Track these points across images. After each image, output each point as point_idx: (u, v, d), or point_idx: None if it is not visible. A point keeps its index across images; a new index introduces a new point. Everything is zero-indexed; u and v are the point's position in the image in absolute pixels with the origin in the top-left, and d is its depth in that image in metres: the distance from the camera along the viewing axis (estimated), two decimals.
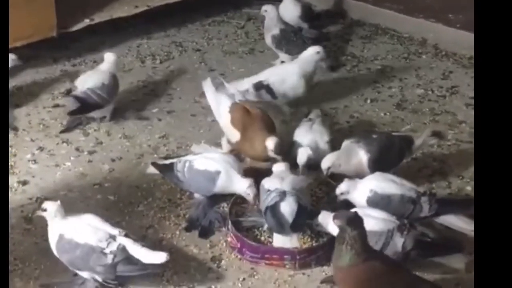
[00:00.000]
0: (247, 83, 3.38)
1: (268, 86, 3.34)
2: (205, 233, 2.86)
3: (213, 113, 3.35)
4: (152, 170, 3.04)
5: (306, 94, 3.41)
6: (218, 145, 3.30)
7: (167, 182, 3.06)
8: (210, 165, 2.87)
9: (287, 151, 3.04)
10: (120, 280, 2.61)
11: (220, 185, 2.86)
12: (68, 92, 3.45)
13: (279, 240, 2.71)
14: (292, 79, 3.34)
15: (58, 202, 2.61)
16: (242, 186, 2.82)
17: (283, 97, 3.37)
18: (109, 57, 3.51)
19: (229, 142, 3.14)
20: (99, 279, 2.58)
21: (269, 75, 3.38)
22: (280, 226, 2.68)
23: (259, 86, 3.35)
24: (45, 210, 2.60)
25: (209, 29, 4.25)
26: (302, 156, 2.98)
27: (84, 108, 3.39)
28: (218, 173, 2.84)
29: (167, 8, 4.13)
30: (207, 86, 3.24)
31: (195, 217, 2.91)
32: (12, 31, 3.60)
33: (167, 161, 3.01)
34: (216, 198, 2.94)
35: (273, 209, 2.70)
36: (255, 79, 3.38)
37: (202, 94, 3.35)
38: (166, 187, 3.07)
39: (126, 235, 2.59)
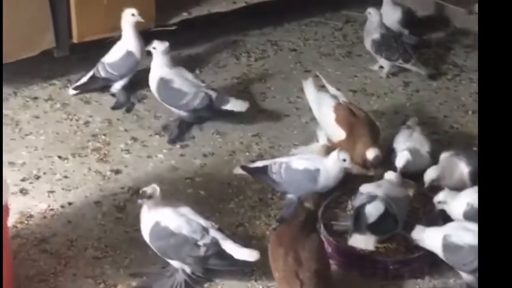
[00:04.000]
0: None
1: None
2: None
3: (308, 114, 3.32)
4: (239, 171, 3.00)
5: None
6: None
7: (259, 180, 3.01)
8: (309, 164, 2.84)
9: (385, 157, 2.99)
10: (209, 274, 2.59)
11: (322, 183, 2.82)
12: None
13: (355, 239, 2.66)
14: None
15: (158, 188, 2.58)
16: (333, 158, 2.79)
17: None
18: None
19: (329, 140, 3.10)
20: (188, 270, 2.56)
21: None
22: (358, 223, 2.64)
23: None
24: (150, 197, 2.55)
25: (306, 30, 4.18)
26: (401, 159, 2.91)
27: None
28: (318, 170, 2.82)
29: (264, 6, 4.08)
30: (309, 86, 3.22)
31: (286, 217, 2.86)
32: (111, 21, 3.68)
33: (260, 164, 2.97)
34: None
35: (358, 209, 2.67)
36: None
37: (300, 94, 3.31)
38: (257, 186, 3.03)
39: (219, 229, 2.57)
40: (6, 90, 3.58)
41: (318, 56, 3.96)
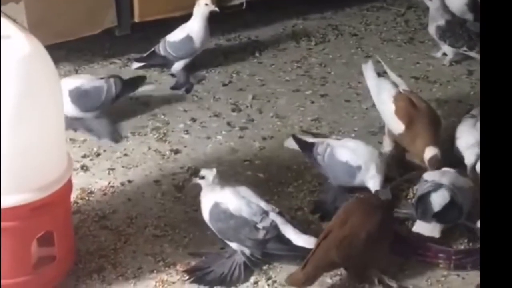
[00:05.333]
0: None
1: None
2: (327, 218, 2.72)
3: (369, 100, 3.27)
4: (291, 143, 2.97)
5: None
6: (371, 133, 3.22)
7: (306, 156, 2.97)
8: (352, 158, 2.79)
9: (448, 148, 2.93)
10: (268, 257, 2.58)
11: (359, 180, 2.78)
12: None
13: (420, 226, 2.62)
14: None
15: (215, 170, 2.60)
16: (374, 183, 2.73)
17: None
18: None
19: (389, 133, 3.04)
20: (247, 252, 2.55)
21: None
22: (423, 211, 2.60)
23: None
24: (203, 177, 2.58)
25: (367, 15, 4.14)
26: (471, 157, 2.84)
27: None
28: (359, 168, 2.77)
29: None
30: (368, 70, 3.15)
31: (323, 200, 2.84)
32: (173, 1, 3.68)
33: (312, 139, 2.94)
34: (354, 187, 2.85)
35: (423, 197, 2.62)
36: None
37: (361, 80, 3.26)
38: (316, 170, 2.99)
39: (279, 213, 2.56)
40: (67, 68, 3.61)
41: (380, 41, 3.91)
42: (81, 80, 3.19)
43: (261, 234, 2.50)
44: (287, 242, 2.52)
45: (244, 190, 2.60)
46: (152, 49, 3.58)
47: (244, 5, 3.81)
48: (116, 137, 3.17)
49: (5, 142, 2.22)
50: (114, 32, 3.67)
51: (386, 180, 2.78)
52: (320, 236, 2.47)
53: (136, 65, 3.62)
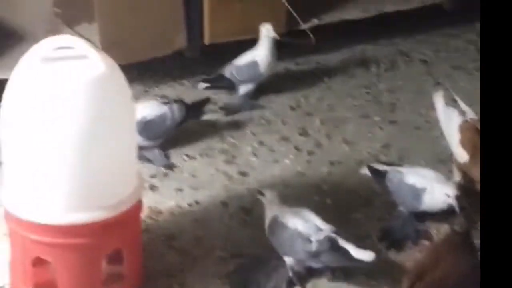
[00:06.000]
0: None
1: None
2: (395, 246, 2.73)
3: (440, 128, 3.22)
4: (366, 171, 2.97)
5: None
6: (441, 161, 3.17)
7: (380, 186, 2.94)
8: (418, 181, 2.78)
9: None
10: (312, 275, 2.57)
11: (427, 203, 2.75)
12: None
13: None
14: None
15: (276, 192, 2.66)
16: (451, 190, 2.70)
17: None
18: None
19: (455, 161, 2.99)
20: (295, 267, 2.57)
21: None
22: None
23: None
24: (263, 194, 2.68)
25: (438, 41, 4.09)
26: None
27: None
28: (424, 190, 2.74)
29: (397, 15, 4.01)
30: (438, 99, 3.12)
31: (390, 227, 2.81)
32: (243, 24, 3.69)
33: (386, 168, 2.92)
34: (424, 215, 2.81)
35: None
36: None
37: (431, 107, 3.23)
38: (385, 197, 2.95)
39: (335, 232, 2.55)
40: (137, 88, 3.64)
41: (450, 69, 3.86)
42: (144, 111, 3.12)
43: (313, 246, 2.51)
44: (343, 252, 2.50)
45: (306, 212, 2.63)
46: (220, 71, 3.62)
47: (314, 41, 3.76)
48: (169, 165, 3.16)
49: (80, 161, 2.25)
50: (184, 53, 3.71)
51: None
52: (410, 273, 2.41)
53: (202, 85, 3.66)
